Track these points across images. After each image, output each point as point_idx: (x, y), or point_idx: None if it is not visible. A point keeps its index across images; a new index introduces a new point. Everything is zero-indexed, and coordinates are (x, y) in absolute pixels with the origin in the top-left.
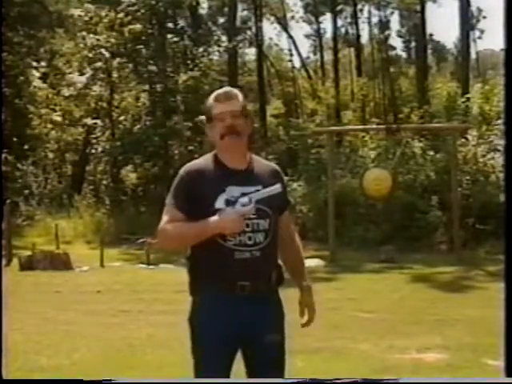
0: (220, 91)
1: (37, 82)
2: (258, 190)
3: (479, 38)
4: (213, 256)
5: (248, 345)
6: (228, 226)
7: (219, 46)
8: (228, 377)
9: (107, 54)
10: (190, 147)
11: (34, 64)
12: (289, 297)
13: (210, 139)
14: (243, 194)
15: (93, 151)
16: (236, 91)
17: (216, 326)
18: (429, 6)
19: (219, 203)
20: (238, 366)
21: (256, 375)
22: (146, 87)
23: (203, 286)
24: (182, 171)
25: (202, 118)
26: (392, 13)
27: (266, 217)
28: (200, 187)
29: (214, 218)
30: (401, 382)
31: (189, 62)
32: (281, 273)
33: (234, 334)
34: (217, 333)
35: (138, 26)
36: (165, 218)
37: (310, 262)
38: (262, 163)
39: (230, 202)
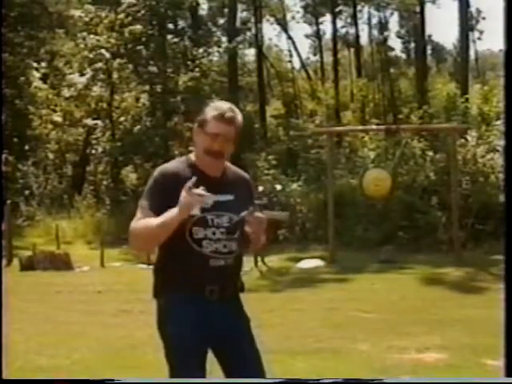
0: (226, 111)
1: (37, 83)
2: (230, 200)
3: (478, 38)
4: (188, 261)
5: (222, 346)
6: (190, 201)
7: (219, 46)
8: (205, 376)
9: (107, 55)
10: (191, 148)
11: (35, 65)
12: (289, 298)
13: (195, 141)
14: (216, 203)
15: (93, 152)
16: (239, 116)
17: (188, 327)
18: (428, 7)
19: (194, 210)
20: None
21: (238, 374)
22: (147, 88)
23: (174, 288)
24: (156, 173)
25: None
26: (391, 14)
27: (237, 225)
28: (175, 191)
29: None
30: (390, 381)
31: (189, 62)
32: (241, 280)
33: (206, 335)
34: (190, 333)
35: (138, 27)
36: (136, 218)
37: (310, 263)
38: (235, 172)
39: (204, 210)
